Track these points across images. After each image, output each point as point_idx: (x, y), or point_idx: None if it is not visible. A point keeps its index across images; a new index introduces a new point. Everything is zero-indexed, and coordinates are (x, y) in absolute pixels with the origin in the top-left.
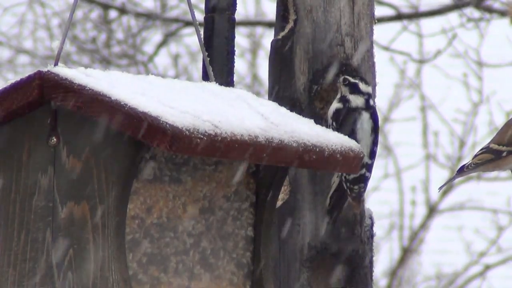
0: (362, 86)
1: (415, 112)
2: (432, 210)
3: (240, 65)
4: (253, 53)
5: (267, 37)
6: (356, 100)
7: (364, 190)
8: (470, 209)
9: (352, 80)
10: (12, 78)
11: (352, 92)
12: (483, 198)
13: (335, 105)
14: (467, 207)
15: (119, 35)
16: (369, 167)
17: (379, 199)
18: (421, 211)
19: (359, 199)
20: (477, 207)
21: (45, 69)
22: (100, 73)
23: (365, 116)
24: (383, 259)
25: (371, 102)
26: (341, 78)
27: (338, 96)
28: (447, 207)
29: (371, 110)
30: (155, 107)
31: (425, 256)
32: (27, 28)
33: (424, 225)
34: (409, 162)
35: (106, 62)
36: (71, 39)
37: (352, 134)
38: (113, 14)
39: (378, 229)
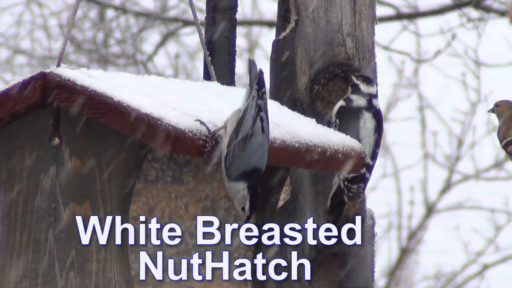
0: (362, 87)
1: (413, 111)
2: (430, 210)
3: (237, 65)
4: (250, 52)
5: (264, 36)
6: (358, 100)
7: (363, 191)
8: (468, 208)
9: (355, 80)
10: (9, 78)
11: (353, 92)
12: (481, 198)
13: (340, 103)
14: (465, 207)
15: (118, 34)
16: (369, 168)
17: (377, 199)
18: (419, 211)
19: (356, 199)
20: (475, 206)
21: (47, 70)
22: (103, 74)
23: (367, 115)
24: (381, 259)
25: (374, 103)
26: (351, 77)
27: (346, 95)
28: (445, 206)
29: (373, 110)
30: (157, 108)
31: (423, 256)
32: (25, 28)
33: (422, 225)
34: (407, 162)
35: (104, 62)
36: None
37: (354, 132)
38: (111, 13)
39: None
